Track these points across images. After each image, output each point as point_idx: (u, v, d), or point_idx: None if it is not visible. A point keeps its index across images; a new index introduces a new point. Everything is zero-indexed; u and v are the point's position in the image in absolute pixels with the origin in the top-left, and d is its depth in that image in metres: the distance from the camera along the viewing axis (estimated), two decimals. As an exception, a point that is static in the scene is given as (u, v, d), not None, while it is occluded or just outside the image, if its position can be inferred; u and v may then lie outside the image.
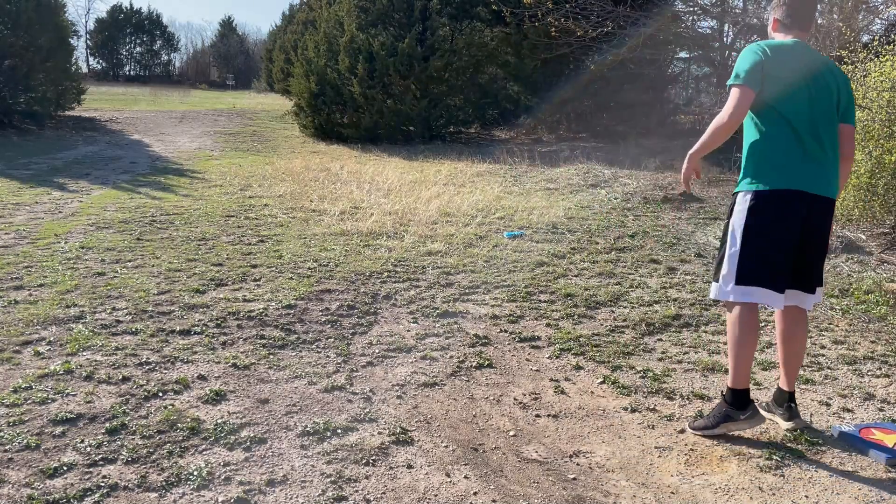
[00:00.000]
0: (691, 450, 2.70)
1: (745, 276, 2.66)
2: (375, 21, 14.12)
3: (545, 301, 4.43)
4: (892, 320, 4.23)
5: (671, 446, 2.73)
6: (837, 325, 4.14)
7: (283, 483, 2.37)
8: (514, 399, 3.09)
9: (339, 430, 2.72)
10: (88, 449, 2.51)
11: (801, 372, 3.33)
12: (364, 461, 2.52)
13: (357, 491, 2.34)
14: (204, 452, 2.53)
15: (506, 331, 3.90)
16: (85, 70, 32.92)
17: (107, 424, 2.68)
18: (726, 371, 3.05)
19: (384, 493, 2.34)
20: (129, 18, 54.10)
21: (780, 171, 2.63)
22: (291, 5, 39.79)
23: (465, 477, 2.46)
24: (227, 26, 59.63)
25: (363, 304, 4.23)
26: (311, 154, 12.32)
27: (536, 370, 3.41)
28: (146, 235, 5.78)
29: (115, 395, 2.93)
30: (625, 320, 4.12)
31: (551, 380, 3.30)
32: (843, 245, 5.81)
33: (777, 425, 2.89)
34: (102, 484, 2.30)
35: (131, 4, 55.82)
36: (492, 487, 2.40)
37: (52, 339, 3.49)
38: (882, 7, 9.58)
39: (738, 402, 2.72)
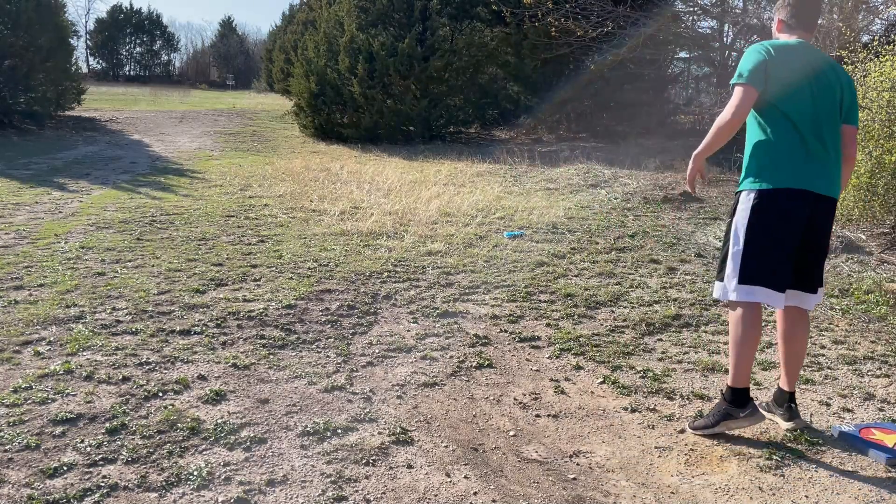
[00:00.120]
0: (691, 450, 2.70)
1: (748, 275, 2.67)
2: (375, 21, 14.12)
3: (545, 301, 4.43)
4: (892, 320, 4.23)
5: (671, 446, 2.73)
6: (837, 325, 4.14)
7: (283, 483, 2.37)
8: (514, 399, 3.09)
9: (339, 430, 2.72)
10: (88, 449, 2.51)
11: (802, 372, 3.33)
12: (364, 461, 2.52)
13: (357, 491, 2.34)
14: (204, 452, 2.53)
15: (506, 331, 3.90)
16: (85, 70, 32.94)
17: (107, 424, 2.68)
18: (726, 371, 3.05)
19: (384, 493, 2.34)
20: (129, 18, 54.12)
21: (784, 170, 2.63)
22: (291, 5, 39.81)
23: (465, 477, 2.46)
24: (227, 26, 59.64)
25: (363, 304, 4.23)
26: (311, 154, 12.32)
27: (536, 370, 3.41)
28: (146, 235, 5.78)
29: (115, 395, 2.93)
30: (625, 320, 4.12)
31: (551, 380, 3.30)
32: (843, 245, 5.81)
33: (777, 425, 2.89)
34: (102, 484, 2.30)
35: (131, 4, 55.89)
36: (492, 487, 2.40)
37: (52, 339, 3.49)
38: (882, 7, 9.58)
39: (738, 400, 2.72)
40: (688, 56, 14.83)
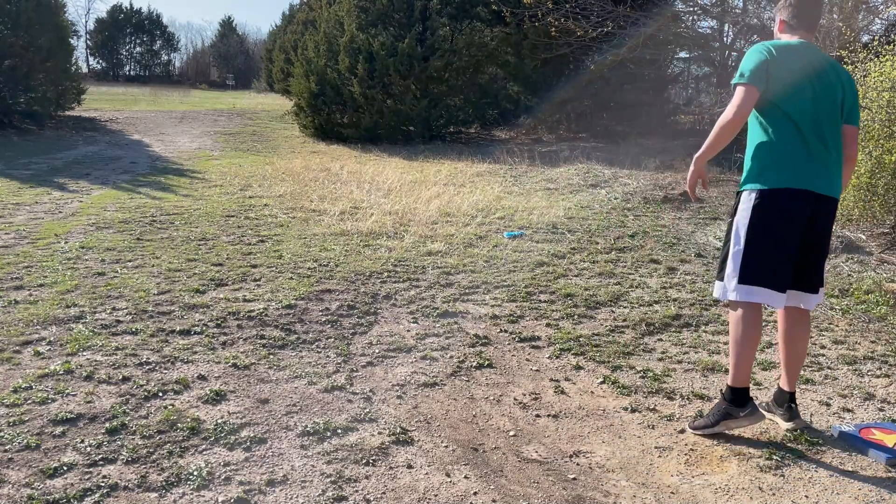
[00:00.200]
0: (691, 450, 2.70)
1: (748, 275, 2.67)
2: (375, 21, 14.12)
3: (545, 301, 4.43)
4: (892, 320, 4.23)
5: (671, 446, 2.73)
6: (837, 325, 4.14)
7: (283, 483, 2.37)
8: (514, 399, 3.09)
9: (339, 430, 2.72)
10: (88, 449, 2.51)
11: (802, 372, 3.32)
12: (364, 461, 2.52)
13: (357, 491, 2.34)
14: (204, 452, 2.53)
15: (506, 331, 3.90)
16: (85, 70, 32.94)
17: (107, 424, 2.68)
18: (726, 370, 3.05)
19: (384, 493, 2.34)
20: (129, 18, 54.14)
21: (785, 170, 2.63)
22: (291, 5, 39.82)
23: (465, 477, 2.46)
24: (227, 26, 59.66)
25: (363, 304, 4.23)
26: (311, 154, 12.32)
27: (536, 370, 3.41)
28: (146, 235, 5.78)
29: (115, 395, 2.93)
30: (625, 320, 4.12)
31: (551, 380, 3.30)
32: (843, 245, 5.81)
33: (777, 425, 2.89)
34: (102, 484, 2.30)
35: (131, 4, 55.89)
36: (492, 487, 2.40)
37: (52, 339, 3.49)
38: (882, 7, 9.58)
39: (738, 399, 2.72)
40: (688, 56, 14.84)
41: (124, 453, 2.48)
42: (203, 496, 2.27)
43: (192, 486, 2.32)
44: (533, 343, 3.75)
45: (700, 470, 2.57)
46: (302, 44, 16.85)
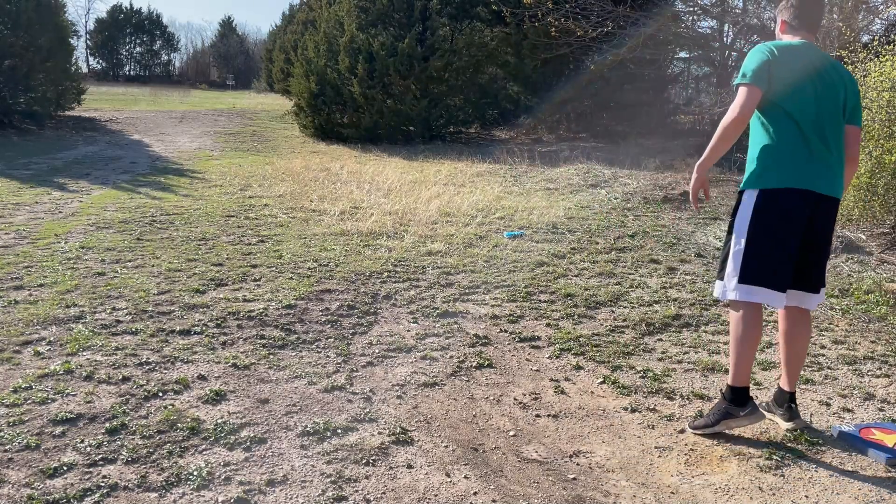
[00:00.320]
0: (691, 450, 2.70)
1: (748, 275, 2.67)
2: (375, 21, 14.12)
3: (545, 301, 4.43)
4: (892, 320, 4.23)
5: (671, 446, 2.73)
6: (837, 325, 4.14)
7: (283, 483, 2.37)
8: (514, 399, 3.09)
9: (339, 430, 2.72)
10: (88, 449, 2.51)
11: (802, 372, 3.32)
12: (364, 461, 2.52)
13: (357, 491, 2.34)
14: (204, 452, 2.53)
15: (506, 331, 3.90)
16: (85, 70, 32.94)
17: (107, 424, 2.68)
18: (726, 370, 3.05)
19: (384, 493, 2.34)
20: (129, 18, 54.14)
21: (787, 170, 2.63)
22: (291, 5, 39.82)
23: (465, 477, 2.46)
24: (227, 26, 59.67)
25: (363, 304, 4.23)
26: (311, 154, 12.32)
27: (536, 370, 3.41)
28: (146, 235, 5.78)
29: (115, 395, 2.93)
30: (625, 320, 4.12)
31: (551, 380, 3.30)
32: (843, 245, 5.81)
33: (777, 425, 2.89)
34: (102, 484, 2.30)
35: (131, 4, 55.91)
36: (492, 487, 2.40)
37: (52, 339, 3.49)
38: (882, 7, 9.58)
39: (738, 399, 2.72)
40: (688, 56, 14.84)
41: (124, 453, 2.48)
42: (203, 496, 2.27)
43: (192, 486, 2.32)
44: (533, 343, 3.75)
45: (700, 470, 2.57)
46: (302, 44, 16.85)
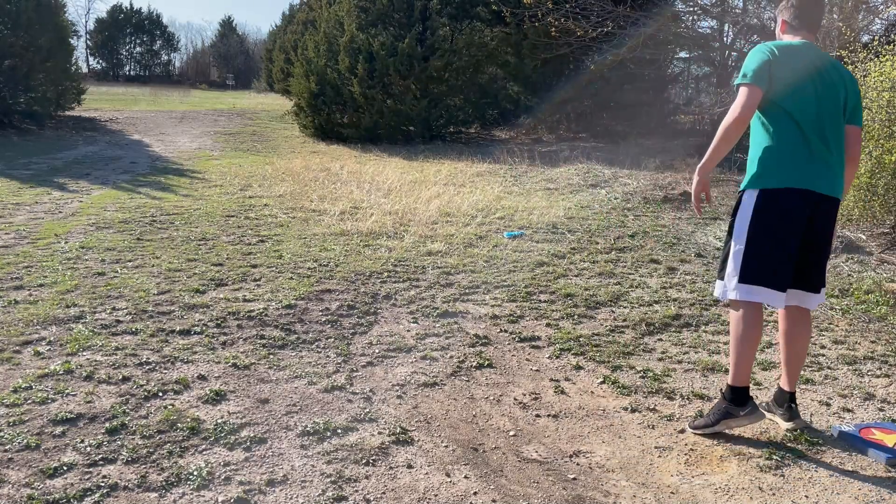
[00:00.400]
0: (691, 450, 2.70)
1: (749, 274, 2.66)
2: (375, 21, 14.12)
3: (545, 301, 4.43)
4: (892, 320, 4.23)
5: (671, 446, 2.72)
6: (837, 325, 4.14)
7: (283, 483, 2.37)
8: (514, 399, 3.09)
9: (339, 430, 2.72)
10: (88, 449, 2.51)
11: (802, 372, 3.32)
12: (364, 461, 2.52)
13: (357, 491, 2.34)
14: (204, 452, 2.53)
15: (506, 331, 3.90)
16: (85, 70, 32.94)
17: (107, 424, 2.68)
18: (726, 370, 3.05)
19: (384, 493, 2.34)
20: (129, 18, 54.14)
21: (787, 169, 2.63)
22: (291, 5, 39.82)
23: (465, 477, 2.46)
24: (227, 26, 59.67)
25: (363, 304, 4.23)
26: (311, 154, 12.32)
27: (536, 370, 3.41)
28: (146, 235, 5.78)
29: (115, 395, 2.93)
30: (625, 320, 4.12)
31: (551, 380, 3.30)
32: (843, 245, 5.81)
33: (777, 425, 2.89)
34: (102, 484, 2.30)
35: (131, 4, 55.90)
36: (492, 487, 2.40)
37: (52, 339, 3.49)
38: (882, 7, 9.58)
39: (738, 398, 2.72)
40: (688, 56, 14.84)
41: (124, 453, 2.48)
42: (203, 496, 2.27)
43: (192, 486, 2.32)
44: (533, 343, 3.75)
45: (700, 470, 2.57)
46: (302, 44, 16.85)
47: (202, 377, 3.14)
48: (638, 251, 5.75)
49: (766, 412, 2.90)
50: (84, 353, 3.34)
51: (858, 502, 2.39)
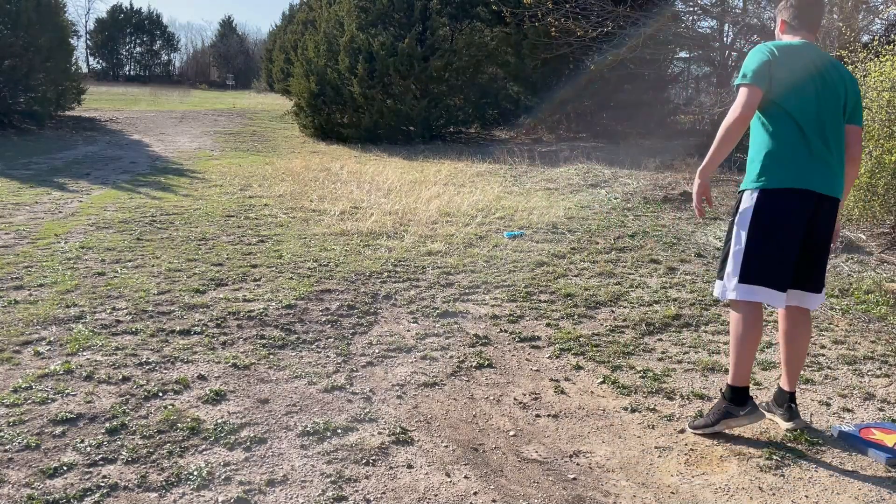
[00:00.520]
0: (691, 450, 2.70)
1: (749, 274, 2.66)
2: (375, 21, 14.12)
3: (545, 301, 4.43)
4: (892, 320, 4.23)
5: (671, 446, 2.72)
6: (837, 325, 4.14)
7: (283, 483, 2.37)
8: (514, 399, 3.09)
9: (339, 430, 2.72)
10: (88, 449, 2.51)
11: (802, 372, 3.32)
12: (364, 461, 2.52)
13: (357, 491, 2.34)
14: (204, 452, 2.53)
15: (506, 331, 3.90)
16: (85, 70, 32.89)
17: (107, 424, 2.68)
18: (726, 370, 3.05)
19: (384, 493, 2.34)
20: (129, 18, 54.16)
21: (787, 169, 2.63)
22: (291, 5, 39.83)
23: (465, 477, 2.46)
24: (227, 26, 59.66)
25: (363, 304, 4.23)
26: (311, 154, 12.32)
27: (536, 370, 3.41)
28: (146, 235, 5.78)
29: (115, 395, 2.93)
30: (625, 320, 4.12)
31: (551, 380, 3.30)
32: (843, 245, 5.81)
33: (777, 425, 2.89)
34: (102, 484, 2.30)
35: (131, 4, 55.95)
36: (492, 487, 2.40)
37: (52, 339, 3.49)
38: (882, 7, 9.58)
39: (738, 398, 2.72)
40: (688, 56, 14.84)
41: (124, 453, 2.48)
42: (203, 496, 2.27)
43: (192, 486, 2.32)
44: (533, 343, 3.75)
45: (700, 470, 2.57)
46: (302, 44, 16.85)
47: (202, 377, 3.14)
48: (638, 251, 5.75)
49: (766, 412, 2.90)
50: (84, 353, 3.34)
51: (858, 502, 2.39)
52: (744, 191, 2.73)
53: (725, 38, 13.20)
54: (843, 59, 6.50)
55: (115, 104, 22.20)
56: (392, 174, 9.51)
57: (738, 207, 2.75)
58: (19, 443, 2.52)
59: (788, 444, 2.75)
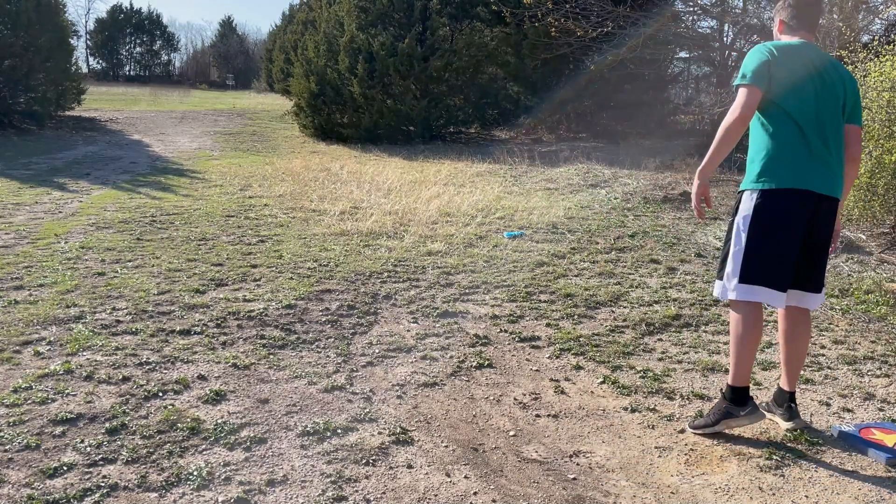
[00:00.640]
0: (691, 450, 2.70)
1: (749, 274, 2.66)
2: (375, 21, 14.12)
3: (545, 301, 4.43)
4: (892, 320, 4.23)
5: (671, 446, 2.72)
6: (837, 325, 4.14)
7: (283, 483, 2.37)
8: (514, 399, 3.09)
9: (339, 430, 2.72)
10: (88, 449, 2.51)
11: (802, 372, 3.32)
12: (364, 461, 2.52)
13: (357, 491, 2.34)
14: (204, 452, 2.53)
15: (506, 331, 3.90)
16: (85, 70, 32.90)
17: (107, 424, 2.68)
18: (726, 370, 3.05)
19: (384, 493, 2.34)
20: (129, 18, 54.16)
21: (787, 169, 2.63)
22: (291, 5, 39.83)
23: (465, 477, 2.46)
24: (227, 26, 59.66)
25: (363, 304, 4.23)
26: (311, 154, 12.32)
27: (536, 370, 3.41)
28: (146, 235, 5.78)
29: (115, 395, 2.93)
30: (625, 320, 4.12)
31: (551, 380, 3.30)
32: (843, 245, 5.81)
33: (777, 425, 2.89)
34: (102, 484, 2.30)
35: (131, 4, 55.95)
36: (492, 487, 2.40)
37: (52, 339, 3.49)
38: (882, 7, 9.58)
39: (738, 399, 2.72)
40: (688, 56, 14.83)
41: (124, 453, 2.48)
42: (203, 496, 2.27)
43: (192, 486, 2.32)
44: (533, 343, 3.75)
45: (700, 470, 2.57)
46: (302, 44, 16.85)
47: (202, 377, 3.14)
48: (638, 251, 5.75)
49: (766, 412, 2.90)
50: (84, 353, 3.34)
51: (858, 502, 2.39)
52: (743, 191, 2.73)
53: (725, 38, 13.21)
54: (843, 59, 6.50)
55: (115, 104, 22.20)
56: (392, 174, 9.51)
57: (737, 208, 2.74)
58: (19, 443, 2.52)
59: (788, 444, 2.75)
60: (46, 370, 3.12)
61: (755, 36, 11.92)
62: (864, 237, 6.09)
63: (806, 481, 2.50)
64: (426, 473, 2.47)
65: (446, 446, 2.66)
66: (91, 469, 2.39)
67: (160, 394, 2.96)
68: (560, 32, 11.69)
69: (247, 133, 15.82)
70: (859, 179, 5.60)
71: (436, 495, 2.34)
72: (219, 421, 2.75)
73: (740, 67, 2.71)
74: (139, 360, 3.29)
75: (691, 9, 13.46)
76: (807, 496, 2.41)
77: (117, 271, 4.71)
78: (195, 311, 3.99)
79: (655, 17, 11.75)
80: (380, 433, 2.72)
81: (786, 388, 2.88)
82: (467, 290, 4.57)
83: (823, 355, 3.68)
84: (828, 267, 5.16)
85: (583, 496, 2.38)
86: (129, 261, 4.98)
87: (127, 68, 55.24)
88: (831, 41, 8.60)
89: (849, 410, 3.06)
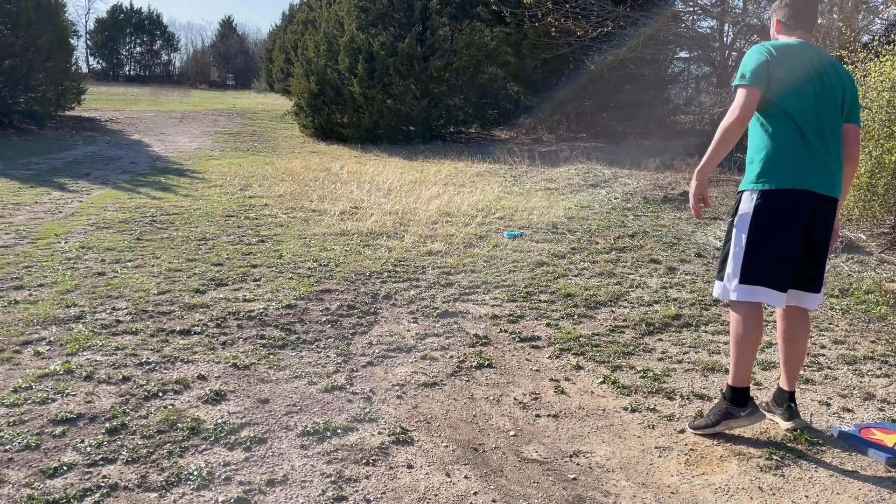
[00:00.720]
0: (691, 450, 2.70)
1: (749, 275, 2.66)
2: (375, 21, 14.12)
3: (545, 301, 4.43)
4: (892, 320, 4.23)
5: (671, 446, 2.73)
6: (837, 325, 4.14)
7: (283, 483, 2.37)
8: (514, 399, 3.09)
9: (339, 430, 2.72)
10: (88, 449, 2.51)
11: (801, 372, 3.32)
12: (364, 461, 2.52)
13: (357, 491, 2.34)
14: (204, 452, 2.53)
15: (506, 331, 3.90)
16: (85, 70, 32.90)
17: (107, 424, 2.68)
18: (726, 370, 3.06)
19: (384, 493, 2.34)
20: (129, 18, 54.15)
21: (787, 170, 2.63)
22: (291, 5, 39.82)
23: (465, 477, 2.46)
24: (227, 26, 59.67)
25: (363, 304, 4.23)
26: (311, 154, 12.32)
27: (536, 370, 3.41)
28: (146, 235, 5.78)
29: (115, 395, 2.93)
30: (625, 320, 4.12)
31: (551, 380, 3.30)
32: (843, 245, 5.81)
33: (777, 425, 2.89)
34: (102, 484, 2.30)
35: (131, 4, 55.92)
36: (492, 487, 2.40)
37: (52, 339, 3.49)
38: (882, 7, 9.58)
39: (739, 399, 2.72)
40: (688, 56, 14.84)
41: (124, 453, 2.48)
42: (203, 496, 2.27)
43: (192, 486, 2.32)
44: (533, 343, 3.75)
45: (700, 470, 2.57)
46: (302, 44, 16.85)
47: (202, 377, 3.14)
48: (638, 251, 5.75)
49: (766, 412, 2.90)
50: (84, 353, 3.34)
51: (858, 502, 2.39)
52: (743, 191, 2.73)
53: (725, 38, 13.20)
54: (842, 59, 6.50)
55: (115, 104, 22.20)
56: (392, 174, 9.51)
57: (737, 208, 2.74)
58: (19, 443, 2.52)
59: (788, 444, 2.75)
60: (46, 370, 3.12)
61: (755, 36, 11.92)
62: (864, 237, 6.09)
63: (806, 481, 2.50)
64: (426, 473, 2.47)
65: (446, 446, 2.66)
66: (91, 469, 2.39)
67: (160, 394, 2.96)
68: (560, 32, 11.70)
69: (247, 133, 15.82)
70: (859, 179, 5.60)
71: (436, 495, 2.34)
72: (219, 421, 2.75)
73: (739, 67, 2.71)
74: (139, 360, 3.29)
75: (691, 9, 13.46)
76: (807, 496, 2.41)
77: (117, 271, 4.71)
78: (195, 311, 3.99)
79: (655, 17, 11.76)
80: (380, 433, 2.72)
81: (785, 387, 2.88)
82: (467, 290, 4.57)
83: (823, 355, 3.68)
84: (828, 267, 5.16)
85: (583, 496, 2.38)
86: (129, 261, 4.98)
87: (127, 68, 55.24)
88: (831, 41, 8.60)
89: (849, 410, 3.07)
